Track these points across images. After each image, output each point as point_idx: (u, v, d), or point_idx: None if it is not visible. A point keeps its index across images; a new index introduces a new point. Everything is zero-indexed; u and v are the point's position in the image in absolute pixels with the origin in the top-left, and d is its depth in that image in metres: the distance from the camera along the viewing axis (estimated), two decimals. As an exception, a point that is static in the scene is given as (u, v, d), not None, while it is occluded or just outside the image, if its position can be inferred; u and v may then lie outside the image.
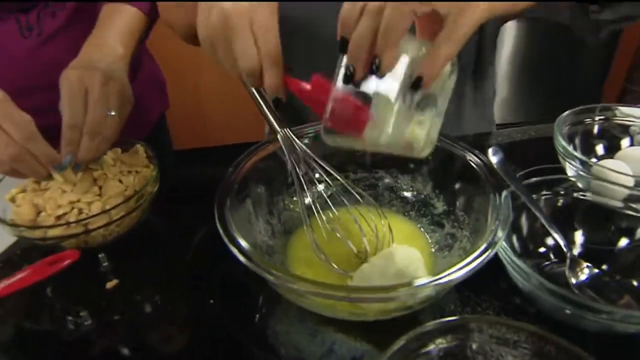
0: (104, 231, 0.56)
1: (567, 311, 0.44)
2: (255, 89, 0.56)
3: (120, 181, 0.60)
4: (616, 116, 0.76)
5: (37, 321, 0.53)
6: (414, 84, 0.39)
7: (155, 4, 0.71)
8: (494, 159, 0.55)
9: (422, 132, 0.42)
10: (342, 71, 0.41)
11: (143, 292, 0.56)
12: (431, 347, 0.43)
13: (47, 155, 0.53)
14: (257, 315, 0.53)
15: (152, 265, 0.61)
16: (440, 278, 0.40)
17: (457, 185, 0.56)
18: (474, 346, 0.44)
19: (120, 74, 0.57)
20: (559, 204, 0.59)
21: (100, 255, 0.58)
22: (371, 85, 0.41)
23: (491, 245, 0.43)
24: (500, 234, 0.44)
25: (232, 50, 0.45)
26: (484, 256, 0.42)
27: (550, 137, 0.80)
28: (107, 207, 0.57)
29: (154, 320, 0.54)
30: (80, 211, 0.56)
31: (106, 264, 0.59)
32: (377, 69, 0.39)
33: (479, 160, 0.53)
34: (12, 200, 0.58)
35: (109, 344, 0.51)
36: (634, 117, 0.76)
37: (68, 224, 0.53)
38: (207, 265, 0.60)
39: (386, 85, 0.41)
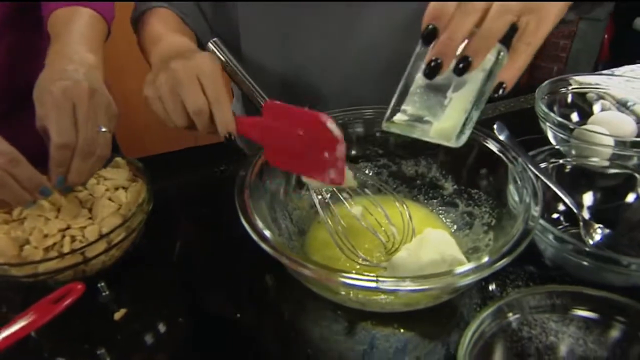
0: (104, 257, 0.50)
1: (588, 265, 0.47)
2: (246, 79, 0.56)
3: (111, 199, 0.54)
4: (571, 85, 0.81)
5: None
6: (496, 89, 0.40)
7: (110, 6, 0.64)
8: (501, 136, 0.56)
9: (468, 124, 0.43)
10: (418, 63, 0.40)
11: (156, 317, 0.51)
12: (484, 329, 0.43)
13: (32, 180, 0.46)
14: (288, 325, 0.51)
15: (154, 285, 0.56)
16: (497, 260, 0.40)
17: (467, 163, 0.57)
18: (519, 320, 0.45)
19: (101, 86, 0.51)
20: (551, 171, 0.61)
21: (100, 285, 0.52)
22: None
23: (529, 228, 0.43)
24: (536, 212, 0.45)
25: (178, 99, 0.49)
26: (528, 237, 0.42)
27: (519, 111, 0.84)
28: (105, 230, 0.51)
29: (175, 345, 0.49)
30: (74, 238, 0.50)
31: (106, 292, 0.53)
32: (463, 69, 0.38)
33: (488, 137, 0.54)
34: (-18, 236, 0.50)
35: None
36: (589, 84, 0.81)
37: (63, 255, 0.47)
38: (218, 276, 0.56)
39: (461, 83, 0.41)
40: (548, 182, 0.54)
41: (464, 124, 0.42)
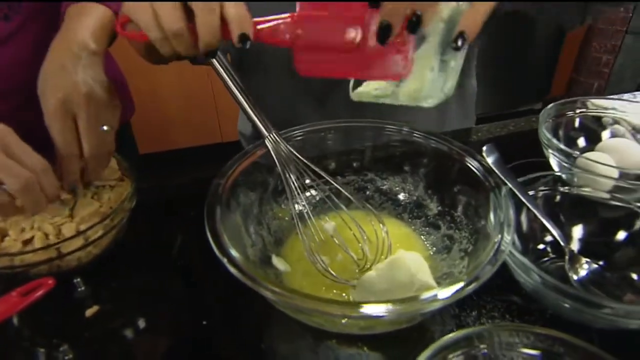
0: (79, 254, 0.51)
1: (568, 306, 0.44)
2: (241, 93, 0.53)
3: (93, 198, 0.55)
4: (589, 108, 0.78)
5: (8, 360, 0.48)
6: (456, 40, 0.37)
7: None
8: (489, 159, 0.54)
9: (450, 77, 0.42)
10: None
11: (127, 317, 0.52)
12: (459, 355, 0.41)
13: (54, 189, 0.49)
14: (253, 334, 0.50)
15: (132, 285, 0.56)
16: (465, 286, 0.39)
17: (451, 185, 0.55)
18: (487, 352, 0.43)
19: (98, 73, 0.53)
20: (547, 199, 0.59)
21: (75, 280, 0.53)
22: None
23: (500, 251, 0.42)
24: (508, 238, 0.43)
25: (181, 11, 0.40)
26: (497, 264, 0.40)
27: (529, 131, 0.81)
28: (82, 227, 0.52)
29: (142, 347, 0.49)
30: (47, 236, 0.51)
31: (82, 288, 0.54)
32: (415, 25, 0.37)
33: (474, 159, 0.52)
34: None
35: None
36: (605, 108, 0.78)
37: (38, 249, 0.48)
38: (193, 282, 0.56)
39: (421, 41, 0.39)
40: (534, 210, 0.52)
41: (446, 79, 0.41)
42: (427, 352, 0.38)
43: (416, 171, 0.58)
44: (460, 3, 0.38)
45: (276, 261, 0.54)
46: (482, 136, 0.81)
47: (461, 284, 0.38)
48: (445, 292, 0.38)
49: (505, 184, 0.51)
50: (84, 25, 0.57)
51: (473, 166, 0.52)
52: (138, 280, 0.57)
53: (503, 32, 2.54)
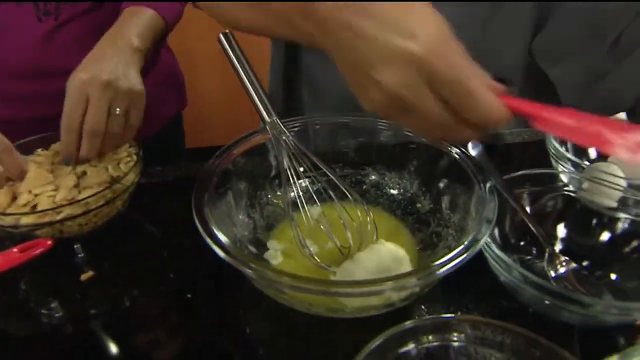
0: (80, 220, 0.54)
1: (547, 302, 0.44)
2: (247, 77, 0.55)
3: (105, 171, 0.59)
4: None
5: (3, 311, 0.51)
6: None
7: (175, 10, 0.73)
8: (473, 152, 0.54)
9: None
10: None
11: (118, 286, 0.54)
12: (411, 346, 0.41)
13: (15, 167, 0.55)
14: (235, 312, 0.52)
15: (130, 258, 0.59)
16: (422, 273, 0.39)
17: (443, 183, 0.55)
18: (457, 347, 0.43)
19: (131, 68, 0.58)
20: (545, 200, 0.58)
21: (75, 246, 0.57)
22: None
23: (475, 241, 0.41)
24: (484, 229, 0.42)
25: None
26: (468, 251, 0.40)
27: (543, 141, 0.79)
28: (82, 196, 0.55)
29: (127, 315, 0.52)
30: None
31: (82, 255, 0.57)
32: None
33: (465, 157, 0.52)
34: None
35: (79, 337, 0.49)
36: (629, 122, 0.75)
37: (41, 211, 0.52)
38: (187, 260, 0.58)
39: None
40: (515, 205, 0.51)
41: None
42: (384, 334, 0.38)
43: (412, 168, 0.59)
44: None
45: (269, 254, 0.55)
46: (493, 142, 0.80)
47: (426, 269, 0.39)
48: (407, 275, 0.38)
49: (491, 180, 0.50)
50: (133, 25, 0.64)
51: (463, 162, 0.51)
52: (135, 253, 0.60)
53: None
